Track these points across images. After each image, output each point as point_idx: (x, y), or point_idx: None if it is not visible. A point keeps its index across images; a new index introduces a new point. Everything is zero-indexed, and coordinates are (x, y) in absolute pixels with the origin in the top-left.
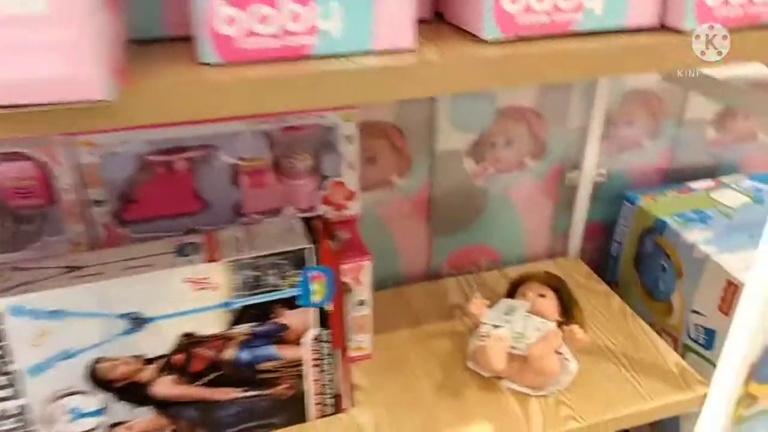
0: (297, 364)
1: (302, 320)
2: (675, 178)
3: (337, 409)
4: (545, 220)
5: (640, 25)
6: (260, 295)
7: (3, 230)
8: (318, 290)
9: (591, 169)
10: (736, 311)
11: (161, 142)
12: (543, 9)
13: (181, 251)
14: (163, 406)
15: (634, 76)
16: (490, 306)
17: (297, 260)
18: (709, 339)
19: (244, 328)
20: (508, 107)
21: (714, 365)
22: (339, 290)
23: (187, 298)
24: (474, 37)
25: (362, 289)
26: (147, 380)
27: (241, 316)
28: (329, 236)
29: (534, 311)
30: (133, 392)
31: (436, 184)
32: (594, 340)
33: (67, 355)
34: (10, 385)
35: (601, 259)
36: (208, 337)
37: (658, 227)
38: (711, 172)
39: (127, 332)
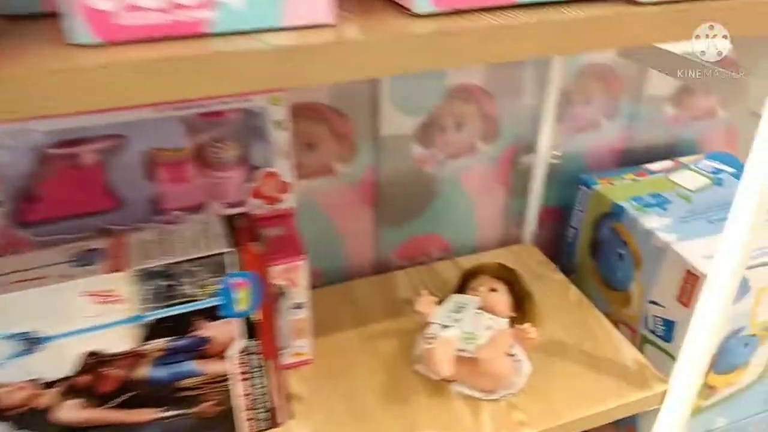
0: (223, 379)
1: (226, 332)
2: (633, 158)
3: (272, 423)
4: (498, 206)
5: None
6: (175, 307)
7: None
8: (242, 298)
9: (545, 152)
10: (696, 305)
11: (61, 132)
12: None
13: (82, 259)
14: None
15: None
16: (439, 302)
17: (216, 266)
18: (668, 330)
19: (158, 343)
20: (457, 86)
21: (673, 358)
22: (268, 296)
23: (89, 313)
24: (404, 10)
25: (298, 291)
26: (48, 406)
27: (155, 330)
28: (255, 236)
29: (485, 307)
30: (33, 420)
31: (382, 171)
32: (549, 335)
33: None
34: None
35: (557, 246)
36: (117, 355)
37: (615, 213)
38: (670, 152)
39: (20, 354)
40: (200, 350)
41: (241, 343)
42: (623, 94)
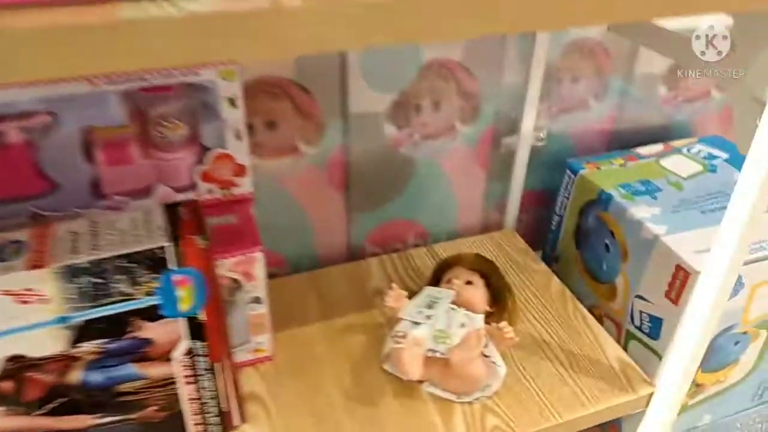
0: (168, 382)
1: (168, 333)
2: (622, 141)
3: (225, 428)
4: (478, 190)
5: None
6: (108, 307)
7: None
8: (185, 297)
9: (529, 133)
10: (688, 304)
11: None
12: None
13: (1, 253)
14: None
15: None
16: (412, 295)
17: (153, 262)
18: (655, 328)
19: (91, 346)
20: (434, 62)
21: (659, 356)
22: (214, 294)
23: (9, 313)
24: None
25: (255, 285)
26: None
27: (87, 332)
28: (200, 227)
29: (460, 301)
30: None
31: (352, 153)
32: (528, 331)
33: None
34: None
35: (539, 233)
36: (44, 359)
37: (602, 201)
38: (661, 134)
39: None
40: (140, 353)
41: (185, 344)
42: (613, 72)
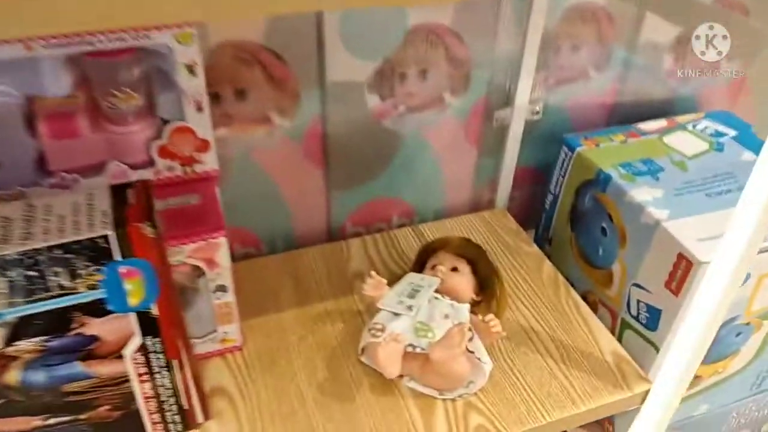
0: (121, 381)
1: (118, 329)
2: (623, 115)
3: (186, 426)
4: (468, 167)
5: None
6: (45, 302)
7: None
8: (134, 290)
9: (524, 106)
10: (693, 297)
11: None
12: None
13: None
14: None
15: None
16: (394, 279)
17: (96, 253)
18: (653, 319)
19: (29, 344)
20: (421, 26)
21: (656, 348)
22: (168, 286)
23: None
24: None
25: (219, 272)
26: None
27: (22, 329)
28: (150, 212)
29: (445, 289)
30: None
31: (331, 125)
32: (517, 320)
33: None
34: None
35: (532, 212)
36: None
37: (601, 181)
38: (665, 109)
39: None
40: (86, 350)
41: (137, 341)
42: (616, 40)
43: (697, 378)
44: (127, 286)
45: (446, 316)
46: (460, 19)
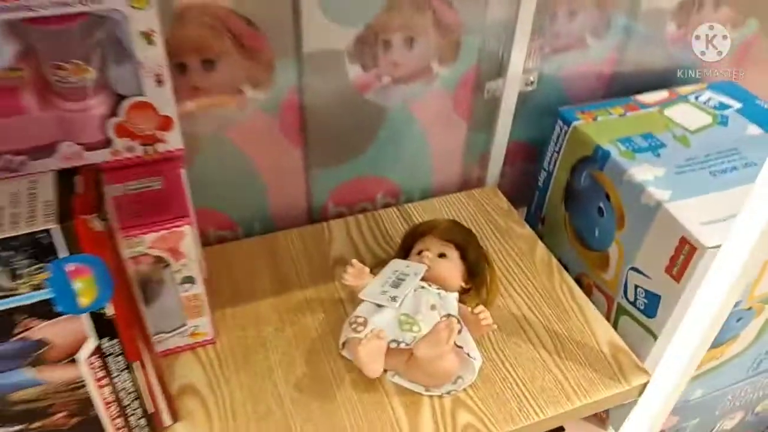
0: (77, 386)
1: (69, 332)
2: (622, 86)
3: (153, 429)
4: (457, 142)
5: None
6: None
7: None
8: (85, 289)
9: (517, 76)
10: (689, 283)
11: None
12: None
13: None
14: None
15: None
16: (378, 264)
17: (38, 249)
18: (652, 305)
19: None
20: None
21: (654, 336)
22: (124, 283)
23: None
24: None
25: (186, 263)
26: None
27: None
28: (99, 202)
29: (432, 277)
30: None
31: (309, 98)
32: (509, 307)
33: None
34: None
35: (524, 190)
36: None
37: (598, 158)
38: (667, 79)
39: None
40: (35, 356)
41: (92, 343)
42: (616, 6)
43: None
44: (77, 285)
45: (433, 307)
46: None
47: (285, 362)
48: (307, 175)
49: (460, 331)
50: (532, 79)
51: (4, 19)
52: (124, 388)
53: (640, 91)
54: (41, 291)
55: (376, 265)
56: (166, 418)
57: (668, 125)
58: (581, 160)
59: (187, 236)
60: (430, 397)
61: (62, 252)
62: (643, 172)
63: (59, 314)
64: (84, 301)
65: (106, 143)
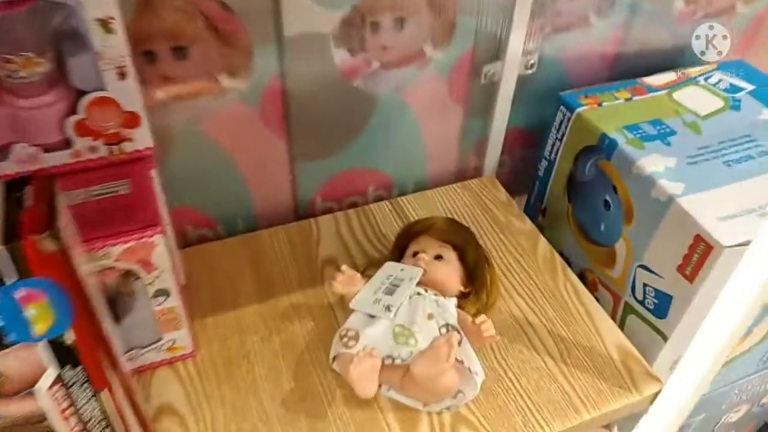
0: (37, 420)
1: (24, 362)
2: (628, 67)
3: None
4: (453, 130)
5: None
6: None
7: None
8: (39, 316)
9: (516, 59)
10: (710, 286)
11: None
12: None
13: None
14: None
15: None
16: (370, 265)
17: None
18: (662, 305)
19: None
20: None
21: (664, 337)
22: (84, 304)
23: None
24: None
25: (158, 275)
26: None
27: None
28: (51, 217)
29: (429, 281)
30: None
31: (292, 86)
32: (510, 309)
33: None
34: None
35: (523, 179)
36: None
37: (605, 147)
38: (675, 59)
39: None
40: None
41: (51, 373)
42: None
43: None
44: (29, 311)
45: (430, 316)
46: None
47: (271, 376)
48: (291, 168)
49: (460, 343)
50: (532, 61)
51: None
52: (92, 417)
53: (646, 73)
54: None
55: (369, 266)
56: None
57: (678, 110)
58: (586, 149)
59: (159, 246)
60: (429, 413)
61: (10, 276)
62: (654, 163)
63: (11, 344)
64: (39, 328)
65: (66, 144)
